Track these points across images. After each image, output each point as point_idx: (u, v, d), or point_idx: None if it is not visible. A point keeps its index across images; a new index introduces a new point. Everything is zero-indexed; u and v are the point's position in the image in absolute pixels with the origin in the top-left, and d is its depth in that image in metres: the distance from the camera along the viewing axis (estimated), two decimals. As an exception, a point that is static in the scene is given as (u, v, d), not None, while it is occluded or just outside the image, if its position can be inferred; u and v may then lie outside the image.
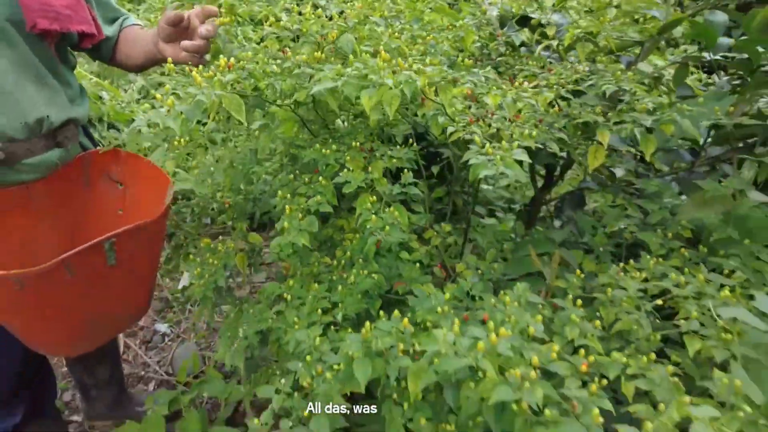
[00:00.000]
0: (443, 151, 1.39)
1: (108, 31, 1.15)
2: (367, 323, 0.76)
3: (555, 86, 1.01)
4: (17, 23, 0.95)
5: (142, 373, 1.91)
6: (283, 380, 0.88)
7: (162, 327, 2.09)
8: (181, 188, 1.38)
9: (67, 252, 0.90)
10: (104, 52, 1.19)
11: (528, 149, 0.80)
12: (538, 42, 1.31)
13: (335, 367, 0.79)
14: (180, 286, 2.02)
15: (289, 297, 1.01)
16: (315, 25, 1.06)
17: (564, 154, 1.20)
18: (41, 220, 1.17)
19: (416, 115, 1.05)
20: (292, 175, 1.12)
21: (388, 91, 0.83)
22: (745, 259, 0.89)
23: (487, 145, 0.79)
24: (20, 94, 0.99)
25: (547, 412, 0.60)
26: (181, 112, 0.83)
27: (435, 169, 1.41)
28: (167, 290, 2.24)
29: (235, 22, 1.30)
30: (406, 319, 0.76)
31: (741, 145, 1.10)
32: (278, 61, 0.97)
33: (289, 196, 1.03)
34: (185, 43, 0.99)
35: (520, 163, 0.76)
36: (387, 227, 0.92)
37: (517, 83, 1.02)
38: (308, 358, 0.83)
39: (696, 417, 0.59)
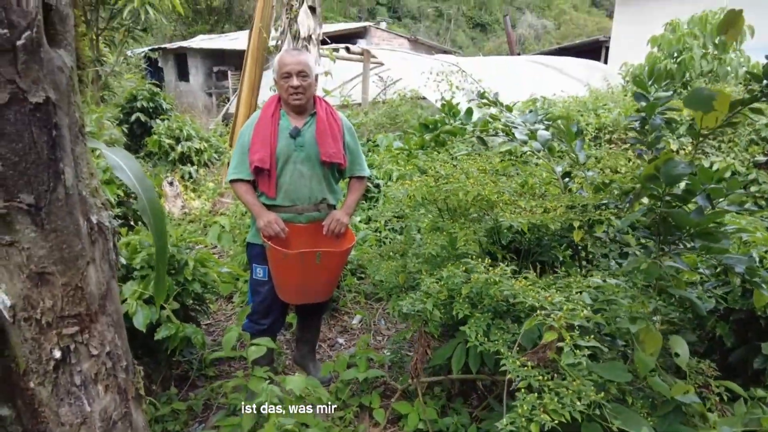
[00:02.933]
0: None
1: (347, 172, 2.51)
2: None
3: None
4: (318, 155, 2.32)
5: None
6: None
7: (341, 340, 3.25)
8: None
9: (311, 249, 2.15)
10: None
11: None
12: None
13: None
14: (354, 323, 3.22)
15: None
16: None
17: None
18: (305, 237, 2.47)
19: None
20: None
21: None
22: None
23: None
24: (311, 185, 2.34)
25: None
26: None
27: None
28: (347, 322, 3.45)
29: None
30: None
31: None
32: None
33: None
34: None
35: None
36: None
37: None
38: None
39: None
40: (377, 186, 4.48)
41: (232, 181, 2.40)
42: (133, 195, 3.91)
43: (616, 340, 1.78)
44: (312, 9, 3.87)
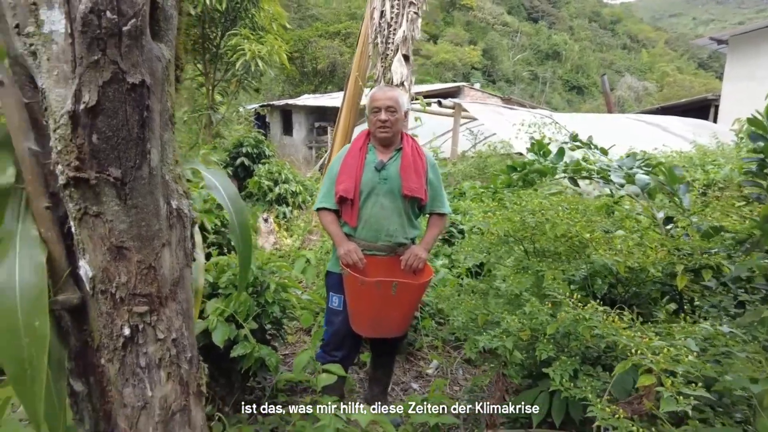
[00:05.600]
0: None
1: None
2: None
3: None
4: (400, 189, 2.31)
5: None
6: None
7: (415, 385, 3.11)
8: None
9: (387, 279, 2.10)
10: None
11: None
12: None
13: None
14: (429, 371, 3.07)
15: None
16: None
17: None
18: (383, 269, 2.43)
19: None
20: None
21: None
22: None
23: None
24: (391, 218, 2.33)
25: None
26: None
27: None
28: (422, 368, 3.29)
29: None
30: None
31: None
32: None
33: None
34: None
35: None
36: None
37: None
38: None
39: None
40: (461, 232, 4.39)
41: (318, 210, 2.46)
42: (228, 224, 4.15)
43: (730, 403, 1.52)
44: (405, 57, 4.03)
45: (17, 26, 0.88)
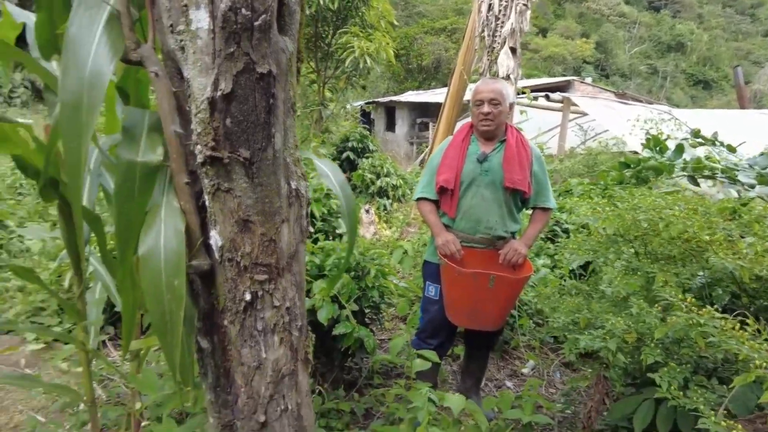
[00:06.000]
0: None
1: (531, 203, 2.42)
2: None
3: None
4: (502, 181, 2.29)
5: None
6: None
7: (509, 383, 3.06)
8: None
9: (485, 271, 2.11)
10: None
11: None
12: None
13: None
14: (525, 370, 3.02)
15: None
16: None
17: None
18: (481, 262, 2.42)
19: None
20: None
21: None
22: None
23: None
24: (491, 210, 2.31)
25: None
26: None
27: None
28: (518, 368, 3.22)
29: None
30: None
31: None
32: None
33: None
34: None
35: None
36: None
37: None
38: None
39: None
40: (566, 231, 4.21)
41: (418, 200, 2.51)
42: (335, 213, 4.36)
43: None
44: (512, 50, 3.94)
45: (171, 26, 1.02)
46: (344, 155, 7.52)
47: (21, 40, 1.42)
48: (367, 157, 7.22)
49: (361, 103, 14.81)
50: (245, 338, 1.15)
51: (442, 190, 2.38)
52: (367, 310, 2.67)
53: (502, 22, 4.03)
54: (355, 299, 2.47)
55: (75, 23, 0.96)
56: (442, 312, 2.45)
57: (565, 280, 3.57)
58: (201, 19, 0.97)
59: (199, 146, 1.01)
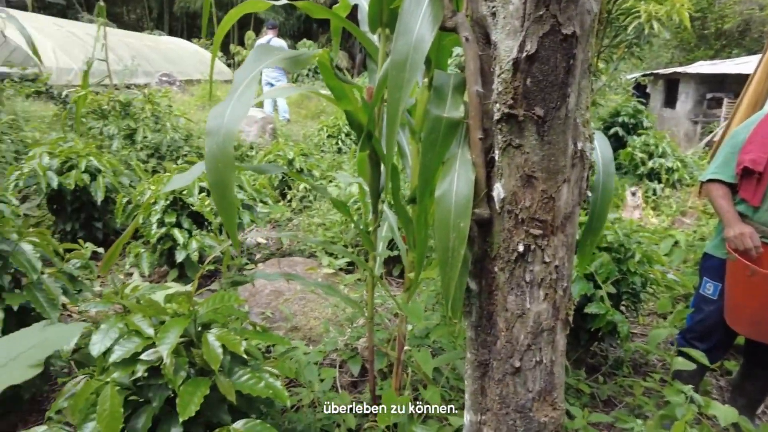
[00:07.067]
0: None
1: None
2: None
3: None
4: None
5: None
6: None
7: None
8: None
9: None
10: None
11: None
12: None
13: None
14: None
15: None
16: None
17: None
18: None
19: None
20: None
21: None
22: None
23: None
24: None
25: None
26: None
27: None
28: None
29: None
30: None
31: None
32: None
33: None
34: None
35: None
36: None
37: None
38: None
39: None
40: None
41: (708, 181, 2.20)
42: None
43: None
44: None
45: (487, -6, 1.13)
46: (612, 131, 6.92)
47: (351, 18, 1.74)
48: (639, 134, 6.50)
49: (637, 75, 13.22)
50: (512, 286, 1.24)
51: (745, 172, 2.03)
52: (624, 297, 2.50)
53: None
54: (614, 281, 2.35)
55: (408, -1, 1.15)
56: (718, 314, 2.14)
57: None
58: (514, -15, 1.05)
59: (498, 104, 1.10)
